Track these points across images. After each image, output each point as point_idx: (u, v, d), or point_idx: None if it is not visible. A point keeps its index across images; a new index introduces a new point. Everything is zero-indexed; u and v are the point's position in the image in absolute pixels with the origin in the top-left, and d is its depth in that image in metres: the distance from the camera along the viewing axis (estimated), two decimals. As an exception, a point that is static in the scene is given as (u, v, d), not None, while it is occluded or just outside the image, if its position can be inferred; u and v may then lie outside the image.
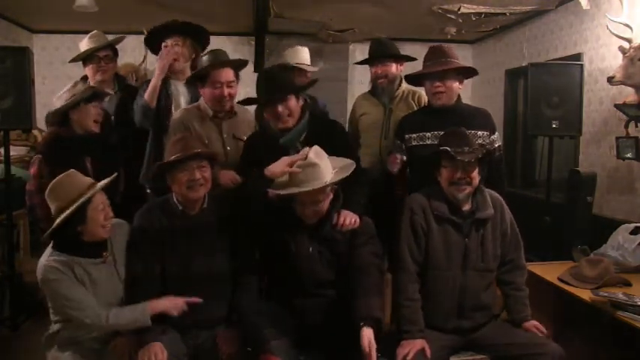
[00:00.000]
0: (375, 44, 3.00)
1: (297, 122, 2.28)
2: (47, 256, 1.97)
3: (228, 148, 2.52)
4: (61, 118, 2.45)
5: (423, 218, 2.19)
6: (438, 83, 2.50)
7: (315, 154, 2.07)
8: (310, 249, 2.11)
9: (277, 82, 2.28)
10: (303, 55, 3.35)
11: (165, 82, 2.82)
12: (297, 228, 2.12)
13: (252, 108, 2.77)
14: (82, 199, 1.93)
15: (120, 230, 2.13)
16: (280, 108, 2.22)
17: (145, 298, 1.99)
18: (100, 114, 2.51)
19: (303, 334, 2.10)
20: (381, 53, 2.92)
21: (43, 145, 2.55)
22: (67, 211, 1.92)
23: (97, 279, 2.00)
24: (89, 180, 2.04)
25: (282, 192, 2.05)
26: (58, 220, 1.93)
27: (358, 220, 2.14)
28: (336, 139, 2.33)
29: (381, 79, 2.92)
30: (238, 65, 2.60)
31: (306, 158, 2.05)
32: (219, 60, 2.51)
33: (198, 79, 2.54)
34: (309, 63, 3.35)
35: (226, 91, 2.48)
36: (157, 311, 1.95)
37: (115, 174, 2.16)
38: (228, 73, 2.48)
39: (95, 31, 3.03)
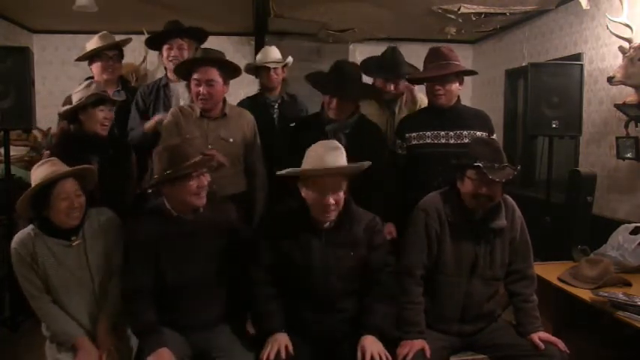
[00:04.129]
0: (389, 62, 2.93)
1: (347, 116, 2.51)
2: (27, 229, 2.06)
3: (210, 147, 2.47)
4: (71, 115, 2.50)
5: (437, 223, 2.13)
6: (438, 87, 2.51)
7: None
8: (328, 253, 2.02)
9: (348, 80, 2.48)
10: (274, 54, 3.27)
11: (165, 86, 2.85)
12: (312, 233, 2.03)
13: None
14: (42, 184, 1.97)
15: (98, 218, 2.14)
16: (335, 102, 2.47)
17: (142, 310, 1.97)
18: (108, 118, 2.51)
19: (320, 352, 2.03)
20: (395, 74, 2.90)
21: (55, 142, 2.65)
22: (26, 193, 1.99)
23: (63, 261, 2.06)
24: (63, 168, 2.05)
25: (311, 168, 1.96)
26: (18, 201, 2.01)
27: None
28: (375, 146, 2.50)
29: (389, 92, 2.96)
30: (226, 66, 2.52)
31: None
32: (202, 57, 2.50)
33: (185, 76, 2.54)
34: (280, 58, 3.26)
35: (204, 89, 2.44)
36: (77, 347, 2.00)
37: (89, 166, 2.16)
38: (209, 72, 2.44)
39: (105, 31, 3.05)
